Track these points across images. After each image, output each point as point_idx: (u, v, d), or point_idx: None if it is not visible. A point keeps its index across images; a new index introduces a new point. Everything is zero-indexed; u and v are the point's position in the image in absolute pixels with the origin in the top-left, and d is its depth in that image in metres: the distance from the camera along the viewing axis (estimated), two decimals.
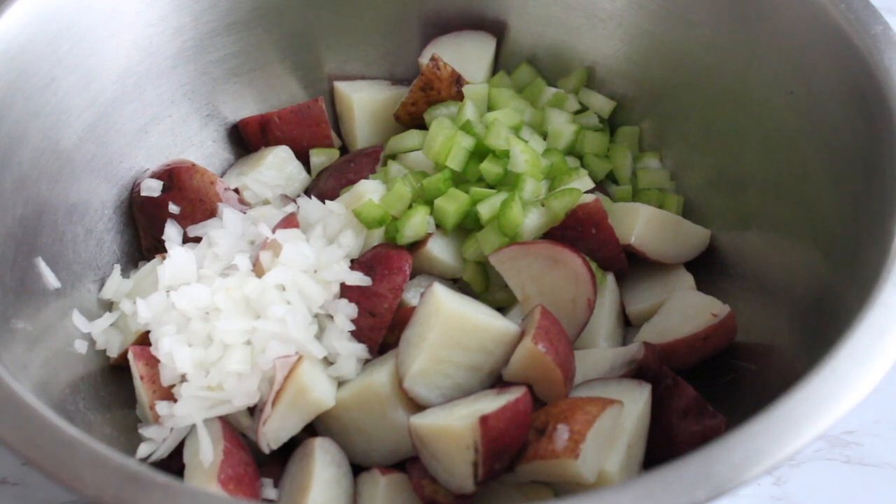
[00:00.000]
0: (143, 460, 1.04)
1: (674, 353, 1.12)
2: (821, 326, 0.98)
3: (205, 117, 1.35)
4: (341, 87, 1.42)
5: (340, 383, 1.08)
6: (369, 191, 1.20)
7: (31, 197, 1.08)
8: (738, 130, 1.23)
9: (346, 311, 1.10)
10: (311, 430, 1.07)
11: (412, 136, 1.32)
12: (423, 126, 1.34)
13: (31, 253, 1.06)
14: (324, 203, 1.23)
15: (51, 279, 1.08)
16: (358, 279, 1.11)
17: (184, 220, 1.22)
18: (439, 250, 1.17)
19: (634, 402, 1.02)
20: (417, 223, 1.16)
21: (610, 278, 1.19)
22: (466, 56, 1.40)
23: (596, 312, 1.13)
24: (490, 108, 1.35)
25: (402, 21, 1.42)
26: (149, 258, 1.23)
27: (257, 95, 1.40)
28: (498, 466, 0.94)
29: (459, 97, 1.35)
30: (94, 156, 1.19)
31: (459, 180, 1.23)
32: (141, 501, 0.74)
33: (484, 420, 0.91)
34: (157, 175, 1.24)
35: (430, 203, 1.19)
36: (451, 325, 1.00)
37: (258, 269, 1.13)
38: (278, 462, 1.07)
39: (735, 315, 1.14)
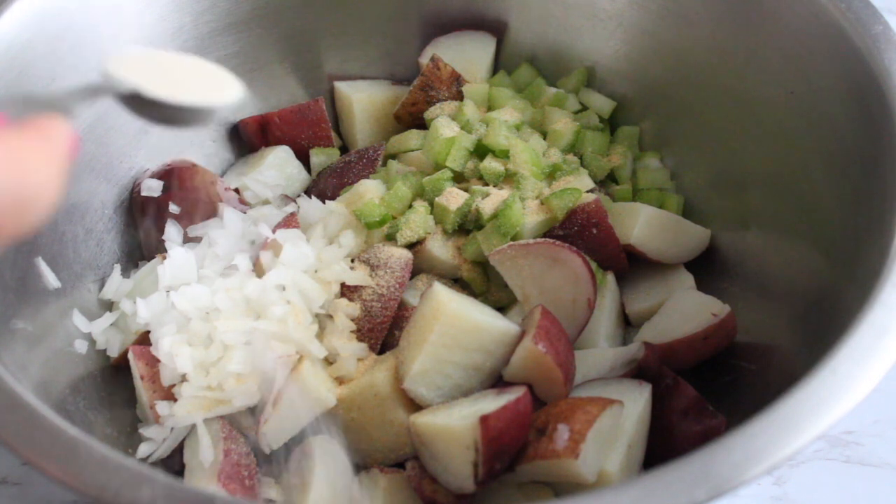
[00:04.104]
0: (143, 460, 1.04)
1: (674, 353, 1.12)
2: (821, 326, 0.98)
3: None
4: (341, 87, 1.42)
5: (341, 383, 1.08)
6: (369, 191, 1.20)
7: None
8: (738, 130, 1.23)
9: (347, 311, 1.10)
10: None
11: (412, 136, 1.32)
12: (423, 126, 1.34)
13: (31, 253, 1.06)
14: (324, 203, 1.23)
15: (51, 279, 1.08)
16: (358, 279, 1.11)
17: (184, 220, 1.22)
18: (439, 250, 1.17)
19: (634, 402, 1.02)
20: (417, 223, 1.16)
21: (610, 278, 1.19)
22: (466, 56, 1.40)
23: (596, 312, 1.13)
24: (490, 108, 1.35)
25: (402, 21, 1.42)
26: (149, 258, 1.23)
27: (257, 95, 1.40)
28: (498, 466, 0.94)
29: (459, 97, 1.35)
30: (94, 156, 1.19)
31: (459, 179, 1.24)
32: (141, 501, 0.74)
33: (484, 420, 0.91)
34: (157, 175, 1.24)
35: (430, 202, 1.19)
36: (451, 325, 1.00)
37: (258, 269, 1.13)
38: (278, 462, 1.07)
39: (735, 315, 1.14)
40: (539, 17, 1.39)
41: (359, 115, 1.39)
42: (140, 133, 1.27)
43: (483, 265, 1.17)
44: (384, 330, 1.10)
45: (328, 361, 1.09)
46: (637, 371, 1.07)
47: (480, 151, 1.24)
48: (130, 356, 1.08)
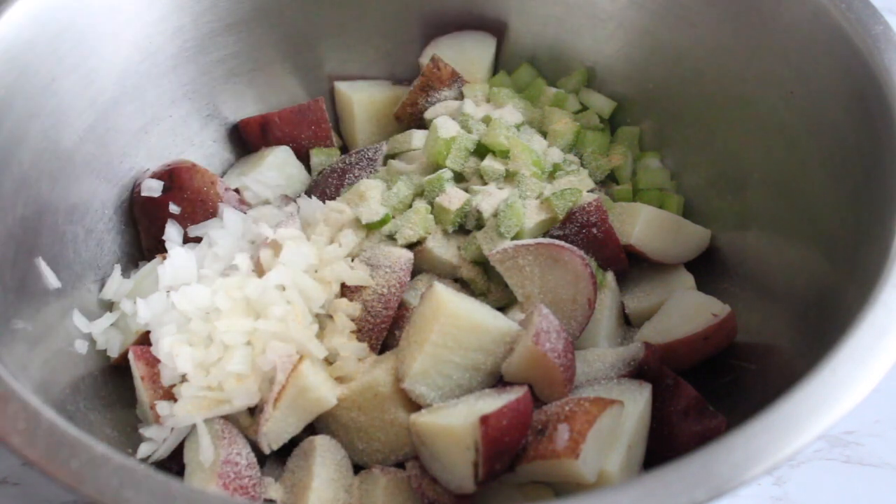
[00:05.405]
0: (144, 460, 1.04)
1: (674, 353, 1.12)
2: (821, 326, 0.98)
3: (205, 117, 1.36)
4: (341, 87, 1.42)
5: (341, 383, 1.08)
6: (369, 190, 1.20)
7: (31, 197, 1.08)
8: (738, 130, 1.23)
9: (347, 311, 1.10)
10: (312, 429, 1.07)
11: (412, 136, 1.32)
12: (423, 126, 1.34)
13: (31, 253, 1.06)
14: (324, 203, 1.23)
15: (51, 279, 1.08)
16: (358, 279, 1.11)
17: (184, 220, 1.22)
18: (439, 249, 1.17)
19: (635, 403, 1.02)
20: (417, 223, 1.16)
21: (610, 278, 1.19)
22: (466, 56, 1.40)
23: (596, 312, 1.13)
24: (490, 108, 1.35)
25: (402, 21, 1.42)
26: (149, 258, 1.23)
27: (257, 95, 1.40)
28: (498, 466, 0.94)
29: (459, 97, 1.35)
30: (95, 156, 1.19)
31: (459, 179, 1.24)
32: (141, 501, 0.74)
33: (484, 420, 0.91)
34: (157, 175, 1.24)
35: (430, 202, 1.19)
36: (451, 324, 1.00)
37: (258, 269, 1.13)
38: (279, 461, 1.07)
39: (735, 315, 1.14)
40: (539, 17, 1.39)
41: (359, 115, 1.39)
42: (140, 133, 1.27)
43: (483, 265, 1.17)
44: (384, 330, 1.10)
45: (328, 361, 1.09)
46: (637, 371, 1.07)
47: (480, 151, 1.24)
48: (130, 356, 1.08)
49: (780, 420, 0.78)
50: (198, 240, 1.21)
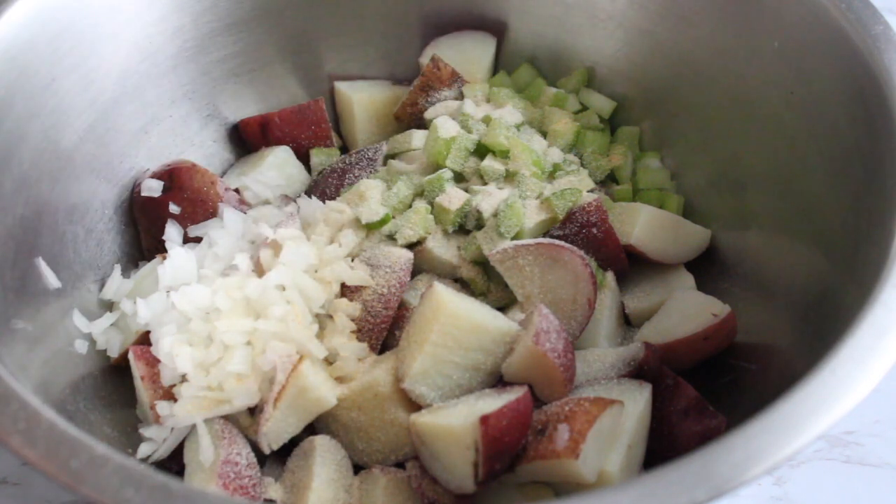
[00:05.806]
0: (144, 460, 1.04)
1: (674, 353, 1.12)
2: (821, 326, 0.98)
3: (205, 117, 1.36)
4: (341, 87, 1.42)
5: (341, 383, 1.08)
6: (369, 190, 1.20)
7: (31, 197, 1.08)
8: (738, 130, 1.23)
9: (347, 311, 1.10)
10: (311, 429, 1.07)
11: (412, 136, 1.32)
12: (423, 126, 1.34)
13: (31, 253, 1.06)
14: (324, 203, 1.23)
15: (51, 279, 1.08)
16: (358, 279, 1.11)
17: (184, 220, 1.22)
18: (439, 249, 1.17)
19: (635, 403, 1.02)
20: (417, 223, 1.16)
21: (610, 278, 1.19)
22: (466, 56, 1.40)
23: (596, 312, 1.13)
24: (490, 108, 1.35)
25: (402, 21, 1.42)
26: (149, 258, 1.23)
27: (257, 95, 1.40)
28: (498, 466, 0.94)
29: (459, 97, 1.35)
30: (95, 156, 1.19)
31: (459, 179, 1.24)
32: (141, 501, 0.74)
33: (484, 420, 0.91)
34: (157, 175, 1.24)
35: (430, 202, 1.19)
36: (451, 324, 1.00)
37: (258, 269, 1.13)
38: (279, 461, 1.07)
39: (735, 315, 1.14)
40: (539, 17, 1.39)
41: (359, 115, 1.39)
42: (140, 133, 1.27)
43: (483, 265, 1.17)
44: (384, 330, 1.10)
45: (328, 361, 1.09)
46: (637, 371, 1.07)
47: (480, 151, 1.24)
48: (130, 356, 1.08)
49: (780, 420, 0.78)
50: (198, 240, 1.21)
